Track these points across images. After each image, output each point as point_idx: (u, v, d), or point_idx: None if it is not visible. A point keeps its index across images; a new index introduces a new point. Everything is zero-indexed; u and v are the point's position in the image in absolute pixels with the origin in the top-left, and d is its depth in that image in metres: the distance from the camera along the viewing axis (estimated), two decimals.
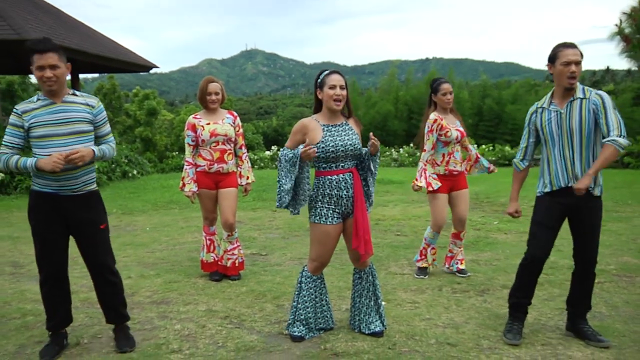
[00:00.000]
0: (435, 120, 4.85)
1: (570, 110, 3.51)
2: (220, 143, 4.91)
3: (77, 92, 3.52)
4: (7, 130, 3.36)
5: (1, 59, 12.75)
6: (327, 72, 3.63)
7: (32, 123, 3.32)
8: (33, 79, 26.91)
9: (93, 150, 3.39)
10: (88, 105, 3.49)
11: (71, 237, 3.56)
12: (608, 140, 3.37)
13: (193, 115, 5.02)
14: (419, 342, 3.63)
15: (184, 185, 4.95)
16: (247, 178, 5.14)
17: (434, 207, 4.99)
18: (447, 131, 4.84)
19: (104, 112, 3.59)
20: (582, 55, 3.53)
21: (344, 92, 3.56)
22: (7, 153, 3.33)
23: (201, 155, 4.94)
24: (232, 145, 5.02)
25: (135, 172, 13.62)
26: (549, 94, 3.66)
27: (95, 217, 3.55)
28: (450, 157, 4.92)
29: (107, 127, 3.61)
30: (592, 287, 3.73)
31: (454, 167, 4.94)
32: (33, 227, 3.49)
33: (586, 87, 3.57)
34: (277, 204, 3.66)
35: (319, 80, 3.62)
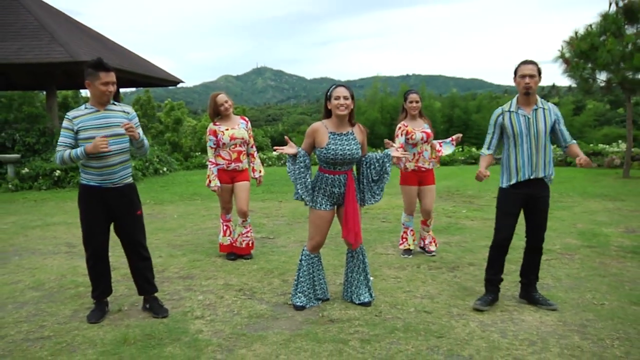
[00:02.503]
0: (400, 127, 4.94)
1: (536, 116, 3.55)
2: (237, 145, 4.88)
3: (116, 103, 3.54)
4: (61, 132, 3.41)
5: (60, 77, 12.76)
6: (334, 86, 3.59)
7: (80, 127, 3.36)
8: (84, 93, 26.76)
9: (139, 133, 3.45)
10: (124, 112, 3.52)
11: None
12: (574, 142, 3.62)
13: (213, 123, 4.97)
14: (400, 310, 3.63)
15: (209, 181, 4.91)
16: (260, 172, 5.10)
17: (405, 196, 5.05)
18: (412, 134, 4.87)
19: (137, 118, 3.61)
20: (539, 70, 3.53)
21: (347, 102, 3.51)
22: (61, 150, 3.36)
23: (220, 155, 4.90)
24: (246, 146, 4.99)
25: (165, 169, 13.60)
26: (514, 101, 3.62)
27: (133, 205, 3.56)
28: (420, 156, 4.95)
29: (140, 130, 3.60)
30: (540, 260, 3.75)
31: (422, 164, 4.96)
32: (80, 214, 3.51)
33: (542, 100, 3.62)
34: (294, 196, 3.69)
35: (328, 94, 3.58)
